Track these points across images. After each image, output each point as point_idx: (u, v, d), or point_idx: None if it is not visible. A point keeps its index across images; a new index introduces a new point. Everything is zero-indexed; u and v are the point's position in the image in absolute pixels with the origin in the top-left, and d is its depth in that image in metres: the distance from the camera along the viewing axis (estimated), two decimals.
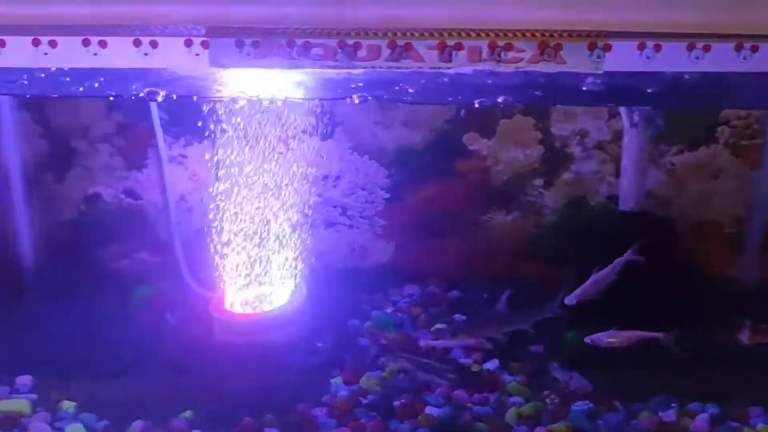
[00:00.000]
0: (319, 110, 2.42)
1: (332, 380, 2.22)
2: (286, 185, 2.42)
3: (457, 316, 2.49)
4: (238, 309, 2.40)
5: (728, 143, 2.51)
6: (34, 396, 2.15)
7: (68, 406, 2.12)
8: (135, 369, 2.24)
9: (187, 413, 2.09)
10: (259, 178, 2.38)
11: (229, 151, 2.33)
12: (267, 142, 2.35)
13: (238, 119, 2.29)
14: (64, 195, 2.58)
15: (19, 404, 2.11)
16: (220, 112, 2.27)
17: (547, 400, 2.15)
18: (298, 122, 2.41)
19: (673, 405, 2.14)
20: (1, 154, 2.46)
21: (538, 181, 2.59)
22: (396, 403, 2.13)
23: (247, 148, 2.33)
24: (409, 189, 2.59)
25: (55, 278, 2.56)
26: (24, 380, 2.20)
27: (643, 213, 2.49)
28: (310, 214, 2.51)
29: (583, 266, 2.40)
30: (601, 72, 1.67)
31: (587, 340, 2.16)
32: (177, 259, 2.55)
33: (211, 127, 2.32)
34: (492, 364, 2.29)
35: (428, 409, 2.11)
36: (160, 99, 1.73)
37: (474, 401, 2.16)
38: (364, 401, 2.15)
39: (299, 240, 2.46)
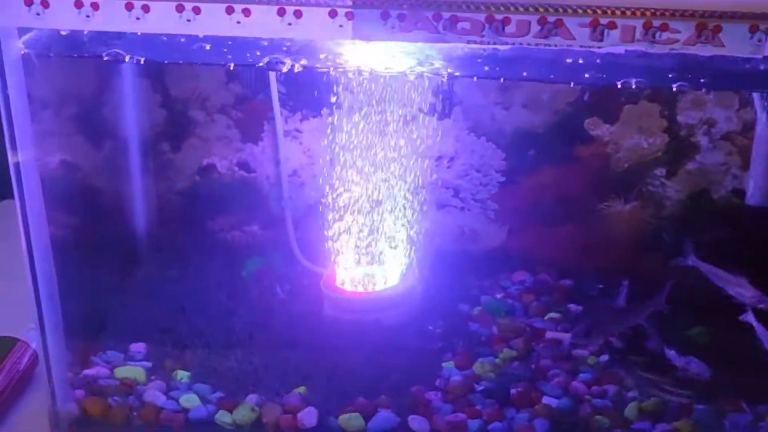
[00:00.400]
0: (440, 88, 2.37)
1: (444, 364, 2.18)
2: (401, 164, 2.39)
3: (573, 306, 2.42)
4: (348, 287, 2.38)
5: None
6: (148, 364, 2.16)
7: (182, 375, 2.12)
8: (247, 341, 2.22)
9: (301, 389, 2.07)
10: (373, 156, 2.36)
11: (345, 128, 2.31)
12: (384, 119, 2.32)
13: (358, 95, 2.26)
14: (179, 165, 2.57)
15: (135, 371, 2.11)
16: (338, 87, 2.25)
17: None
18: (417, 100, 2.37)
19: None
20: (122, 121, 2.47)
21: (661, 171, 2.50)
22: (512, 391, 2.09)
23: (363, 124, 2.31)
24: (526, 173, 2.53)
25: (168, 248, 2.57)
26: (138, 347, 2.22)
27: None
28: (423, 194, 2.47)
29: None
30: (761, 56, 1.59)
31: None
32: (288, 233, 2.54)
33: (331, 101, 2.30)
34: (605, 357, 2.21)
35: (545, 399, 2.07)
36: (297, 69, 1.71)
37: (592, 393, 2.10)
38: (479, 387, 2.11)
39: (412, 220, 2.43)
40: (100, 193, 2.54)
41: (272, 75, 2.38)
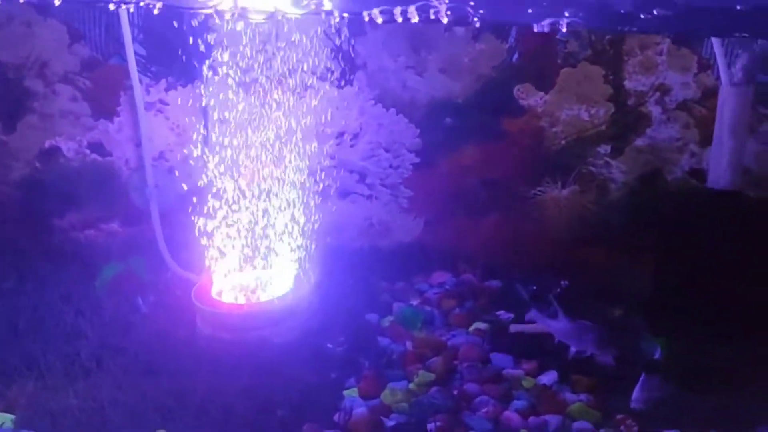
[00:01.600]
0: (336, 47, 2.07)
1: (346, 392, 1.83)
2: (292, 143, 2.06)
3: (502, 314, 2.08)
4: (227, 298, 2.03)
5: None
6: None
7: (3, 419, 1.72)
8: (95, 371, 1.86)
9: None
10: (257, 133, 2.03)
11: (220, 98, 1.99)
12: (268, 87, 2.01)
13: (235, 57, 1.95)
14: (13, 148, 2.20)
15: None
16: (210, 46, 1.93)
17: (622, 428, 1.73)
18: (308, 63, 2.04)
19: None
20: None
21: (605, 148, 2.21)
22: (430, 426, 1.72)
23: (243, 94, 2.00)
24: (444, 153, 2.24)
25: (4, 254, 2.20)
26: None
27: (735, 193, 2.12)
28: (320, 180, 2.16)
29: (658, 256, 2.12)
30: None
31: None
32: (154, 230, 2.19)
33: (199, 66, 1.97)
34: (548, 378, 1.86)
35: None
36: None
37: (529, 426, 1.74)
38: (389, 423, 1.74)
39: (306, 213, 2.10)
40: None
41: (127, 33, 2.02)
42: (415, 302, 2.15)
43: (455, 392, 1.82)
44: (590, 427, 1.75)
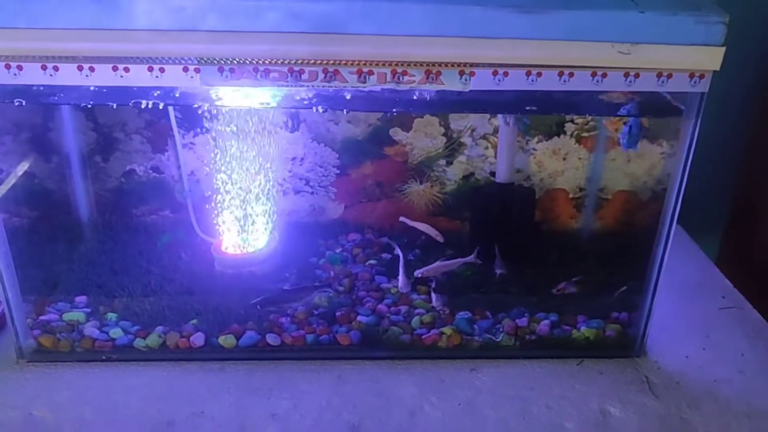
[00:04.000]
0: (289, 112, 2.51)
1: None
2: (267, 164, 2.49)
3: (385, 255, 2.58)
4: (231, 251, 2.49)
5: (573, 135, 2.64)
6: (88, 310, 2.26)
7: (111, 316, 2.23)
8: (159, 291, 2.34)
9: (194, 321, 2.21)
10: (246, 159, 2.43)
11: (223, 140, 2.38)
12: (252, 134, 2.41)
13: (230, 118, 2.34)
14: (109, 171, 2.64)
15: (78, 315, 2.22)
16: (216, 113, 2.32)
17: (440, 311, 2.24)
18: (274, 120, 2.51)
19: (526, 314, 2.22)
20: (64, 142, 2.55)
21: (442, 162, 2.66)
22: (338, 313, 2.26)
23: (237, 137, 2.38)
24: (353, 167, 2.65)
25: (104, 230, 2.65)
26: (81, 299, 2.31)
27: (511, 184, 2.59)
28: (283, 184, 2.63)
29: (471, 224, 2.63)
30: (468, 90, 1.80)
31: (417, 273, 2.25)
32: (189, 215, 2.62)
33: (211, 124, 2.38)
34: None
35: (359, 318, 2.25)
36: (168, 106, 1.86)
37: (391, 312, 2.29)
38: (316, 312, 2.28)
39: (275, 202, 2.54)
40: (53, 193, 2.62)
41: (171, 111, 2.48)
42: (338, 251, 2.61)
43: (353, 297, 2.33)
44: (423, 312, 2.23)
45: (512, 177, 2.57)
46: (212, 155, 2.45)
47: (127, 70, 1.75)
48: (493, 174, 2.65)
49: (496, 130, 2.60)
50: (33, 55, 1.61)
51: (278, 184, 2.61)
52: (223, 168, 2.44)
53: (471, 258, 2.22)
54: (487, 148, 2.66)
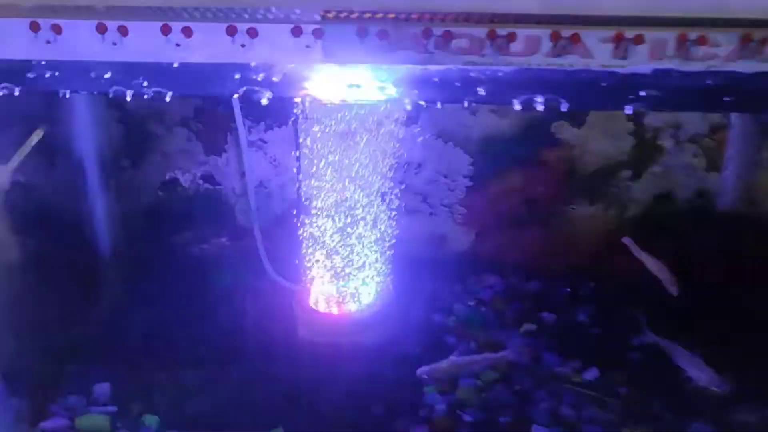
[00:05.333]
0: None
1: (426, 389, 1.64)
2: (370, 173, 1.83)
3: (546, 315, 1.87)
4: (323, 307, 1.81)
5: None
6: (113, 408, 1.58)
7: (151, 421, 1.55)
8: (218, 371, 1.68)
9: (279, 430, 1.53)
10: (342, 165, 1.80)
11: (312, 137, 1.76)
12: (352, 127, 1.77)
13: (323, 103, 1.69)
14: (141, 181, 2.00)
15: (98, 420, 1.54)
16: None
17: None
18: (383, 107, 1.78)
19: None
20: (75, 139, 1.84)
21: (626, 172, 1.96)
22: (502, 420, 1.56)
23: (331, 133, 1.76)
24: (493, 177, 1.99)
25: (133, 266, 1.98)
26: (102, 389, 1.63)
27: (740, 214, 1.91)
28: (393, 201, 1.91)
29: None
30: None
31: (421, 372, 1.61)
32: (257, 245, 1.95)
33: (295, 111, 1.77)
34: (591, 374, 1.68)
35: (535, 429, 1.54)
36: (264, 102, 1.09)
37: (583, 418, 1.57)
38: (467, 418, 1.56)
39: (383, 230, 1.87)
40: (59, 211, 1.88)
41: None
42: (470, 303, 1.93)
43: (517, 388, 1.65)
44: None
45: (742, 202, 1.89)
46: (293, 159, 1.85)
47: (188, 33, 0.96)
48: (703, 195, 1.91)
49: (713, 130, 1.89)
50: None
51: (386, 203, 1.89)
52: (307, 178, 1.80)
53: (505, 354, 1.65)
54: (697, 155, 1.93)
